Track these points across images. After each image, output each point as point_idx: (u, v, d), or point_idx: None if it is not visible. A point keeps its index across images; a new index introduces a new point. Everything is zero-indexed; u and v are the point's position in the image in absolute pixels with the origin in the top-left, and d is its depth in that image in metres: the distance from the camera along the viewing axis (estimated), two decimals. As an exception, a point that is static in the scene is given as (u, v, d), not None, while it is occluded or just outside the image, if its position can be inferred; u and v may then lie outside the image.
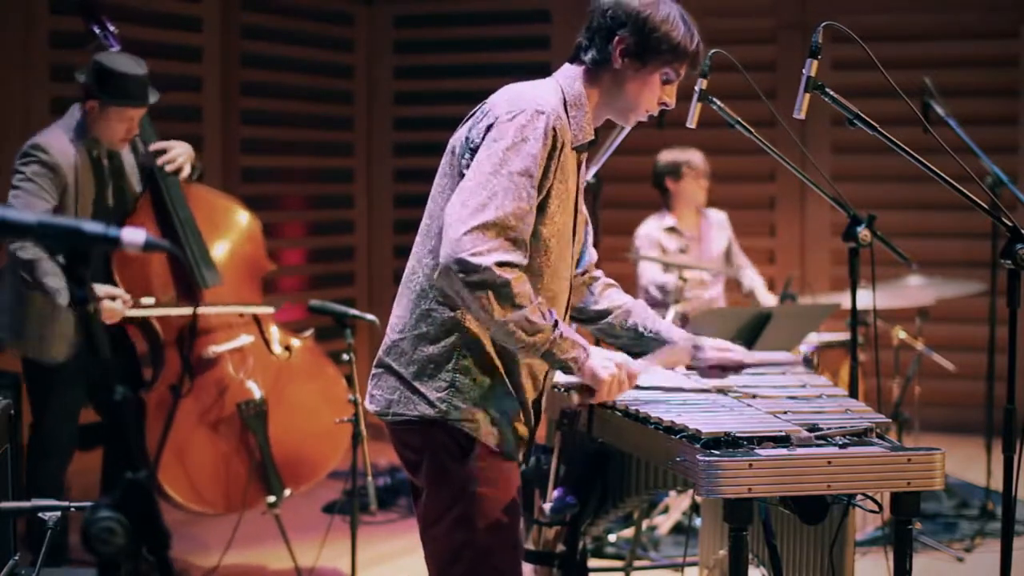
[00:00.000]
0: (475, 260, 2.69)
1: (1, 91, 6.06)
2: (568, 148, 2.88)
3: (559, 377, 3.10)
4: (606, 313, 3.24)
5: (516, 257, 2.75)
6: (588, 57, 2.95)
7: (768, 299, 6.29)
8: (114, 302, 4.62)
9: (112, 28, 4.91)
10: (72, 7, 5.01)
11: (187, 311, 4.89)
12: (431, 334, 2.89)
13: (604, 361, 2.89)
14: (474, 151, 2.83)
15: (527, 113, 2.80)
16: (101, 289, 4.65)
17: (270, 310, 5.17)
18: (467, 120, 2.95)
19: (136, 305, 4.74)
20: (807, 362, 3.16)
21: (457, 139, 2.93)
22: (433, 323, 2.90)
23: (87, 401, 4.94)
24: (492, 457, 2.91)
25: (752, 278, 6.41)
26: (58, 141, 4.63)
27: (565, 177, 2.89)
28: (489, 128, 2.82)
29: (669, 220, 6.27)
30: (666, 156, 6.31)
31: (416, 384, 2.89)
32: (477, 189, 2.74)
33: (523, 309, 2.74)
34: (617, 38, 2.92)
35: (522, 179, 2.76)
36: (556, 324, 2.81)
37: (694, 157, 6.26)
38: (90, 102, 4.64)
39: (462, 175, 2.84)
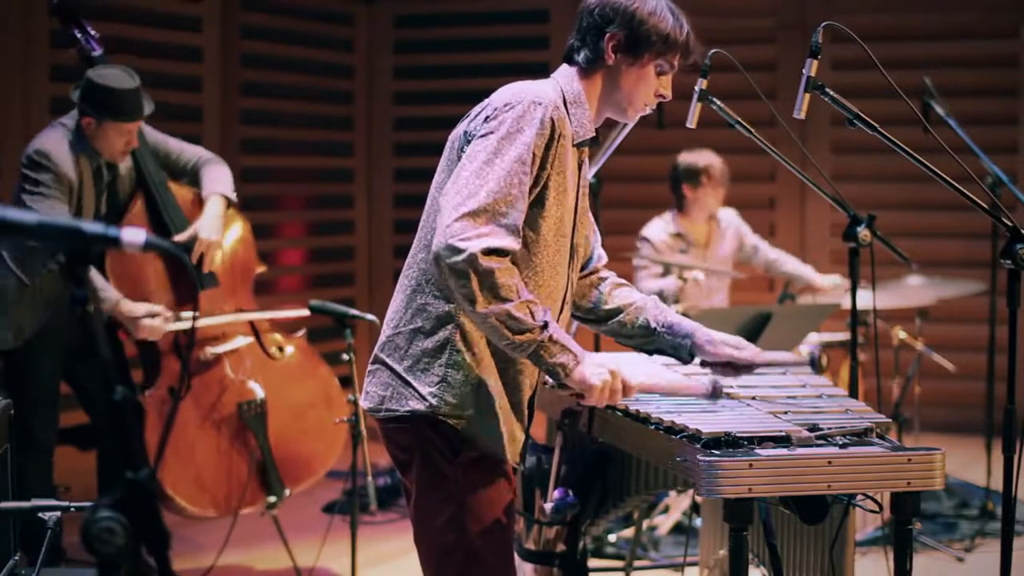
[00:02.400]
0: (461, 244, 2.66)
1: (1, 91, 6.06)
2: (567, 141, 2.88)
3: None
4: (616, 312, 3.18)
5: (507, 243, 2.71)
6: (581, 57, 2.97)
7: (815, 277, 6.19)
8: (154, 319, 4.70)
9: (93, 32, 4.90)
10: (52, 10, 5.02)
11: (228, 319, 4.98)
12: (425, 328, 2.89)
13: (596, 368, 2.81)
14: (470, 142, 2.83)
15: (523, 104, 2.80)
16: (140, 307, 4.71)
17: (304, 312, 5.12)
18: (466, 117, 2.95)
19: (177, 320, 4.81)
20: (813, 363, 3.14)
21: (456, 135, 2.94)
22: (428, 318, 2.89)
23: (68, 399, 4.97)
24: (482, 456, 2.90)
25: (796, 267, 6.26)
26: (62, 149, 4.64)
27: (563, 169, 2.88)
28: (486, 121, 2.82)
29: (674, 226, 6.16)
30: (686, 159, 6.13)
31: (408, 378, 2.89)
32: (471, 178, 2.74)
33: (507, 303, 2.69)
34: (608, 35, 2.93)
35: (515, 165, 2.75)
36: (546, 325, 2.75)
37: (714, 164, 6.08)
38: (86, 119, 4.64)
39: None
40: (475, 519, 2.89)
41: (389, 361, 2.93)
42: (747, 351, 3.11)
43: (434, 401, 2.86)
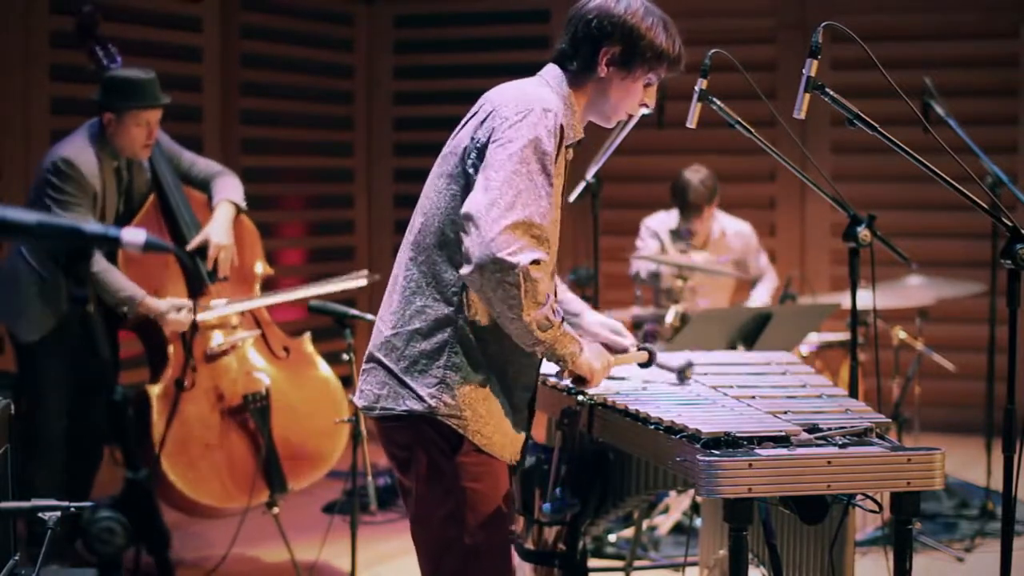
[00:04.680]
0: (512, 259, 2.73)
1: (1, 91, 6.06)
2: (564, 145, 2.92)
3: (546, 368, 3.12)
4: None
5: (543, 254, 2.79)
6: (574, 66, 3.00)
7: (756, 300, 6.18)
8: (179, 313, 4.82)
9: (112, 47, 5.01)
10: (70, 37, 5.14)
11: (257, 304, 5.10)
12: (424, 330, 2.91)
13: (596, 352, 3.01)
14: (480, 150, 2.85)
15: (536, 112, 2.83)
16: (163, 303, 4.84)
17: (362, 282, 5.26)
18: (467, 122, 2.95)
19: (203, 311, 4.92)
20: (681, 374, 3.29)
21: (459, 141, 2.94)
22: (427, 319, 2.91)
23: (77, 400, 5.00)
24: (480, 454, 2.93)
25: (757, 292, 6.24)
26: (84, 155, 4.79)
27: (560, 172, 2.93)
28: (499, 128, 2.83)
29: (673, 222, 6.19)
30: (676, 183, 6.01)
31: (406, 379, 2.91)
32: (503, 188, 2.76)
33: (544, 307, 2.80)
34: (604, 49, 2.97)
35: (541, 178, 2.80)
36: (562, 320, 2.87)
37: (693, 201, 5.95)
38: (107, 115, 4.80)
39: (467, 175, 2.87)
40: (474, 514, 2.92)
41: (386, 361, 2.95)
42: (624, 340, 3.36)
43: (432, 402, 2.88)
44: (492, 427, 2.93)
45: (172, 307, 4.82)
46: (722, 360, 3.79)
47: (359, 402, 3.01)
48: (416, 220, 2.99)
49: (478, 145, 2.86)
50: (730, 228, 6.26)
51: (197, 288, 5.01)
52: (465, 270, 2.78)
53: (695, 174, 6.04)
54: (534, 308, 2.78)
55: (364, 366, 3.02)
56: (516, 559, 3.20)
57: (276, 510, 5.06)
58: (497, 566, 2.96)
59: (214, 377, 5.04)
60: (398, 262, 3.03)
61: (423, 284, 2.93)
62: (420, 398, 2.89)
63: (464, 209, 2.80)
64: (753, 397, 3.19)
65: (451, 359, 2.89)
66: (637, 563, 5.02)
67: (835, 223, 7.96)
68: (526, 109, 2.84)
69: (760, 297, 6.21)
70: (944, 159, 3.31)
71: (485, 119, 2.88)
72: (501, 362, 2.94)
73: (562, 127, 2.87)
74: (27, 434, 4.83)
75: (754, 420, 2.95)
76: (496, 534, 2.95)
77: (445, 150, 2.98)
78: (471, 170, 2.86)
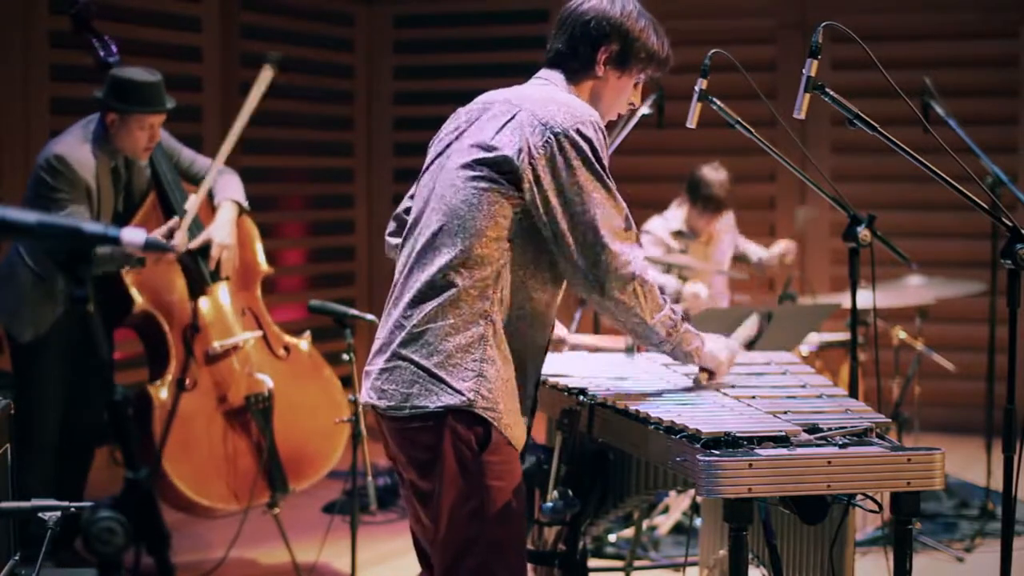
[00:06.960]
0: (626, 271, 2.91)
1: (1, 91, 6.06)
2: None
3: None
4: None
5: (643, 250, 2.99)
6: (573, 66, 3.08)
7: (759, 251, 6.41)
8: (176, 236, 4.71)
9: (108, 39, 4.98)
10: (70, 37, 5.11)
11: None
12: (459, 324, 2.90)
13: (719, 344, 3.19)
14: (536, 167, 2.89)
15: (589, 125, 2.94)
16: (159, 231, 4.71)
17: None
18: (503, 129, 2.95)
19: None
20: (629, 351, 3.38)
21: (491, 142, 2.93)
22: (461, 314, 2.90)
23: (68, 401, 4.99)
24: (505, 449, 2.93)
25: (754, 251, 6.47)
26: (79, 152, 4.75)
27: None
28: (561, 150, 2.90)
29: (675, 223, 6.20)
30: (700, 178, 6.09)
31: (440, 374, 2.89)
32: (591, 210, 2.90)
33: (664, 307, 3.00)
34: (602, 48, 3.06)
35: (611, 183, 2.95)
36: (684, 318, 3.03)
37: (720, 192, 6.06)
38: (110, 115, 4.76)
39: (513, 182, 2.90)
40: (496, 509, 2.92)
41: (415, 357, 2.91)
42: (560, 330, 3.48)
43: (470, 395, 2.88)
44: (516, 420, 2.96)
45: (169, 228, 4.70)
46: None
47: (381, 403, 2.96)
48: (432, 218, 2.97)
49: (532, 160, 2.89)
50: (724, 222, 6.33)
51: (199, 288, 5.00)
52: (594, 300, 2.95)
53: (717, 172, 6.09)
54: (657, 311, 2.97)
55: (385, 364, 2.96)
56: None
57: (277, 510, 5.07)
58: (516, 560, 2.98)
59: (215, 378, 5.04)
60: (415, 260, 3.00)
61: (454, 280, 2.91)
62: (457, 391, 2.87)
63: (564, 248, 2.91)
64: (753, 397, 3.19)
65: (487, 352, 2.90)
66: (637, 563, 5.03)
67: (835, 223, 7.96)
68: (578, 123, 2.92)
69: (757, 250, 6.44)
70: (944, 159, 3.31)
71: (528, 129, 2.91)
72: (523, 357, 2.99)
73: (603, 132, 3.00)
74: (22, 434, 4.82)
75: (754, 420, 2.95)
76: (515, 529, 2.97)
77: (470, 153, 2.96)
78: (526, 185, 2.89)
